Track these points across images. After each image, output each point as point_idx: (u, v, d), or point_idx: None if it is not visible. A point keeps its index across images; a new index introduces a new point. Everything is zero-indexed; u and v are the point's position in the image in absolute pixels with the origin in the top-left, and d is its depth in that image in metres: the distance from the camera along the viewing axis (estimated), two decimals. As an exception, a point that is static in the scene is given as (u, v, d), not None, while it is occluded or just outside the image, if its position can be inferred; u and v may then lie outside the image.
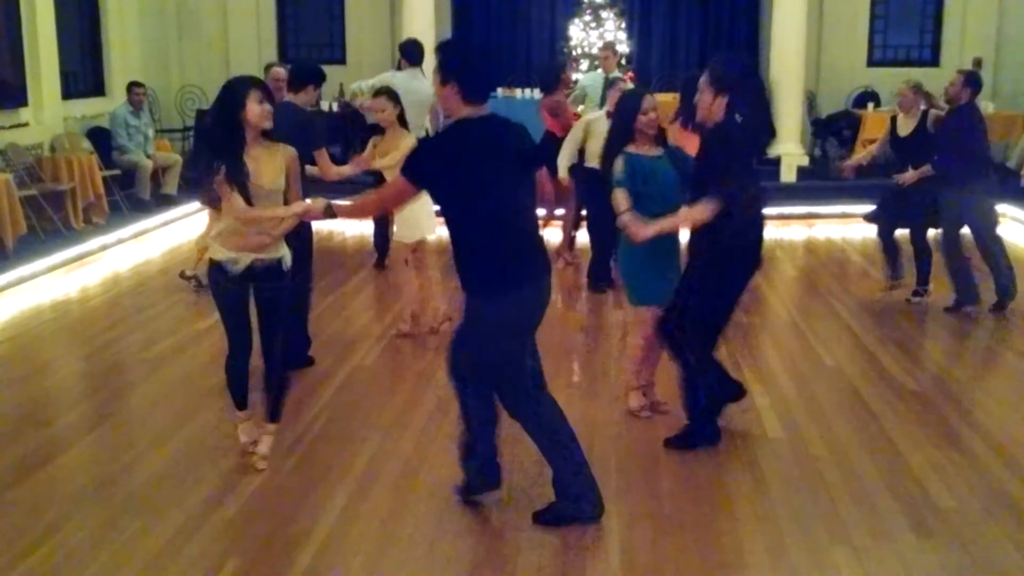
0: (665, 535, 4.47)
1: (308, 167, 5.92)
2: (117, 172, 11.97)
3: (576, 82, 11.42)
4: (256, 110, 4.75)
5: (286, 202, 4.89)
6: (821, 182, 13.14)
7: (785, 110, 13.55)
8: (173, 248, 10.86)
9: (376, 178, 7.45)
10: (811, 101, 14.58)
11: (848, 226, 11.88)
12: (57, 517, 4.63)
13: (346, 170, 6.76)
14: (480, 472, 4.65)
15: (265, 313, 5.06)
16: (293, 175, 4.95)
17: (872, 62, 15.47)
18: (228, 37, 15.49)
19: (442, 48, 4.21)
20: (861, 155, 9.10)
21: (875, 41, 15.50)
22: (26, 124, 11.42)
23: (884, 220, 8.40)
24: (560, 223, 9.97)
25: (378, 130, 7.30)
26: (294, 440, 5.46)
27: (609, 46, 10.95)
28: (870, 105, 14.01)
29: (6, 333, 7.74)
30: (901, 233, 8.36)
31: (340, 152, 12.02)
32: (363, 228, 10.80)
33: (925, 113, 8.16)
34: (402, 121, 7.10)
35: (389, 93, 7.13)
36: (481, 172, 4.14)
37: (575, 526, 4.53)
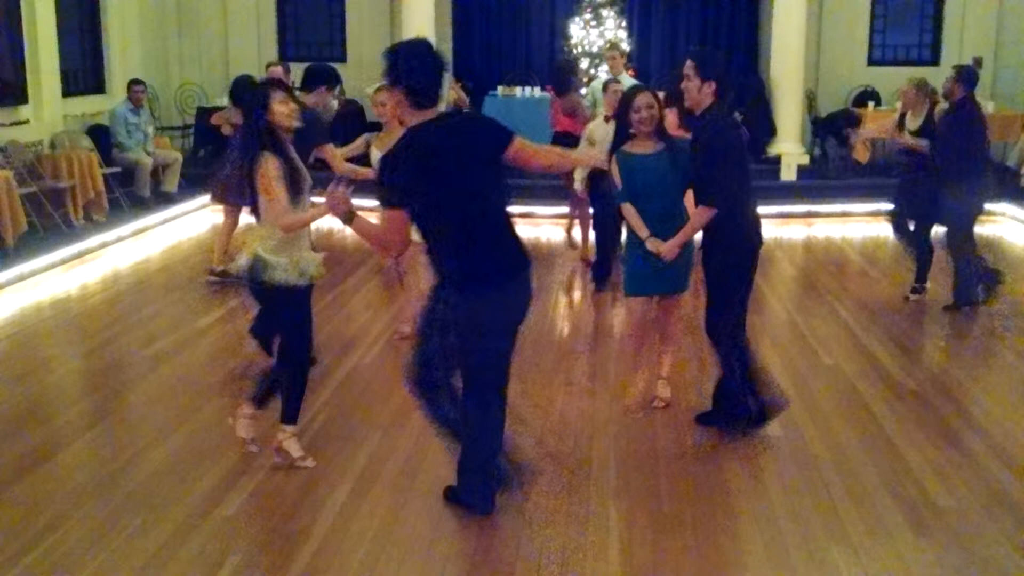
0: (664, 534, 4.48)
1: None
2: (117, 170, 11.97)
3: (589, 81, 11.45)
4: (281, 110, 4.77)
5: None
6: (821, 181, 13.15)
7: (785, 109, 13.57)
8: (173, 245, 10.86)
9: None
10: (811, 100, 14.58)
11: (848, 225, 11.89)
12: (57, 514, 4.64)
13: (346, 166, 6.76)
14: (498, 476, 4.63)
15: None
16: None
17: (872, 61, 15.46)
18: (228, 35, 15.49)
19: (389, 53, 4.15)
20: (870, 130, 8.99)
21: (875, 40, 15.49)
22: (26, 121, 11.42)
23: (898, 218, 8.45)
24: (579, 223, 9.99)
25: (378, 128, 7.28)
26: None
27: (614, 46, 10.94)
28: (870, 104, 14.02)
29: (6, 330, 7.74)
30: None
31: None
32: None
33: (932, 108, 8.17)
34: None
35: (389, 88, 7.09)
36: (436, 176, 4.06)
37: (573, 525, 4.54)
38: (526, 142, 4.35)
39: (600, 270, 8.79)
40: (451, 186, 4.08)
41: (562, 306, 8.60)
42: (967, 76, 8.01)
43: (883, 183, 8.81)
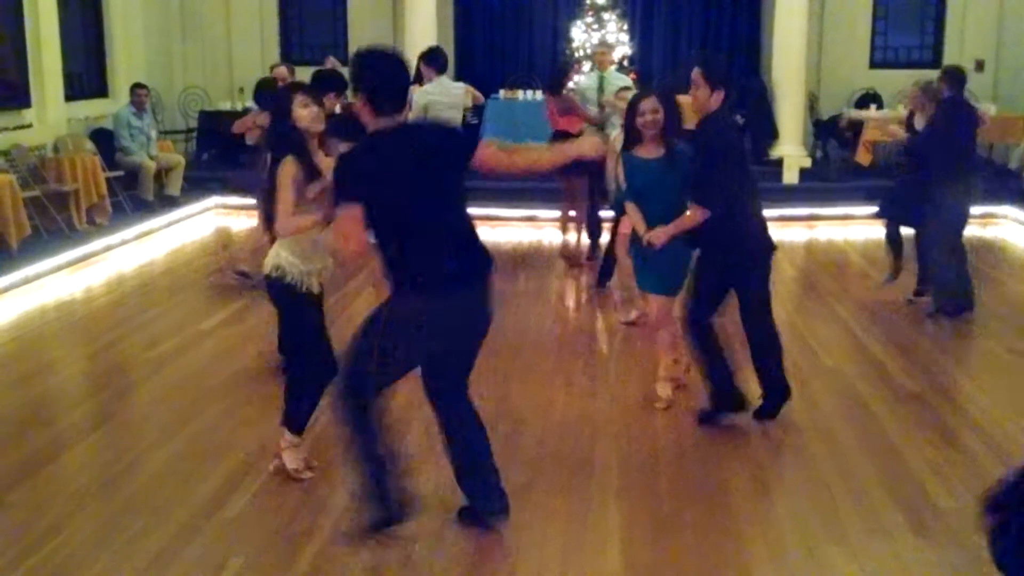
0: (665, 534, 4.50)
1: None
2: (120, 173, 12.00)
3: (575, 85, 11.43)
4: (303, 114, 4.78)
5: None
6: (823, 183, 13.16)
7: (787, 112, 13.57)
8: (177, 249, 10.89)
9: None
10: (813, 103, 14.59)
11: (849, 227, 11.90)
12: (60, 516, 4.66)
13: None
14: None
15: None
16: None
17: (873, 64, 15.47)
18: (231, 38, 15.52)
19: (354, 60, 4.14)
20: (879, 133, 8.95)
21: (876, 43, 15.50)
22: (30, 125, 11.45)
23: (890, 217, 8.44)
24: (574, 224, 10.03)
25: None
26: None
27: (603, 44, 10.96)
28: (872, 107, 14.03)
29: (10, 333, 7.77)
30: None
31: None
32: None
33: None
34: None
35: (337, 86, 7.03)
36: (393, 182, 4.00)
37: (574, 525, 4.56)
38: (498, 143, 4.32)
39: (604, 270, 8.82)
40: (406, 192, 4.01)
41: (562, 307, 8.62)
42: (952, 77, 7.96)
43: (885, 185, 8.81)
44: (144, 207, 11.96)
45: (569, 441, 5.54)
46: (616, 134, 7.91)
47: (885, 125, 8.90)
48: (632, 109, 5.73)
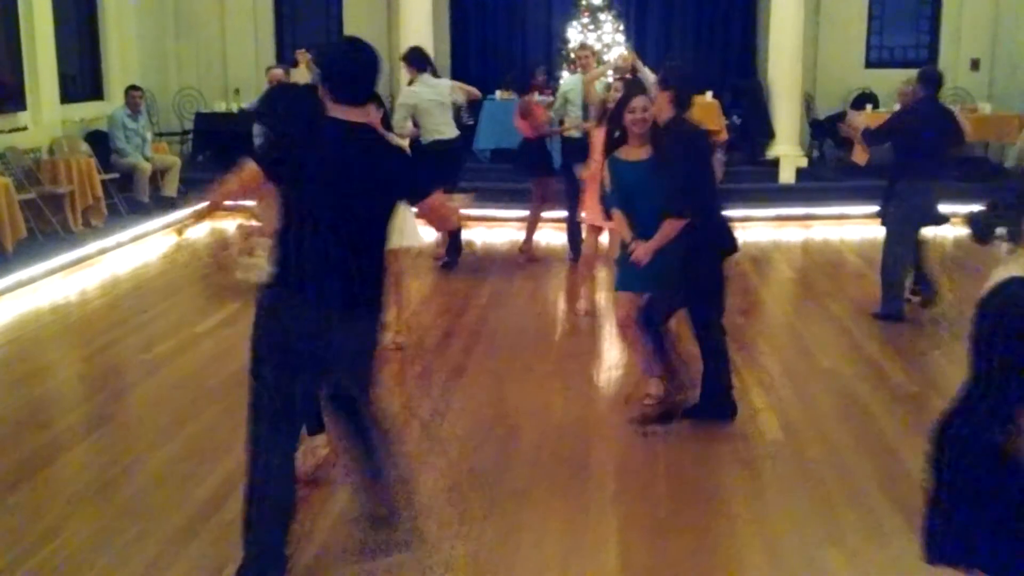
0: (662, 537, 4.49)
1: None
2: (116, 175, 11.98)
3: (552, 84, 11.45)
4: None
5: None
6: (819, 183, 13.17)
7: (782, 111, 13.57)
8: (172, 251, 10.86)
9: None
10: (809, 102, 14.60)
11: (846, 227, 11.90)
12: (57, 519, 4.65)
13: None
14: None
15: None
16: None
17: (869, 63, 15.47)
18: (226, 39, 15.50)
19: (320, 50, 4.18)
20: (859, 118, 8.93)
21: (872, 42, 15.50)
22: (25, 128, 11.43)
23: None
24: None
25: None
26: (293, 443, 5.47)
27: (586, 47, 10.96)
28: (868, 106, 14.03)
29: (6, 336, 7.76)
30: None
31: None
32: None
33: None
34: (385, 125, 6.97)
35: (376, 99, 6.98)
36: (314, 170, 3.80)
37: (572, 528, 4.56)
38: (443, 199, 4.17)
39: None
40: (322, 190, 3.81)
41: (559, 311, 8.61)
42: (926, 77, 7.92)
43: (882, 185, 8.79)
44: (140, 209, 11.94)
45: (567, 444, 5.53)
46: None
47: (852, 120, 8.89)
48: (623, 103, 5.62)
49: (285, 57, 15.43)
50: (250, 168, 3.89)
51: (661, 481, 5.08)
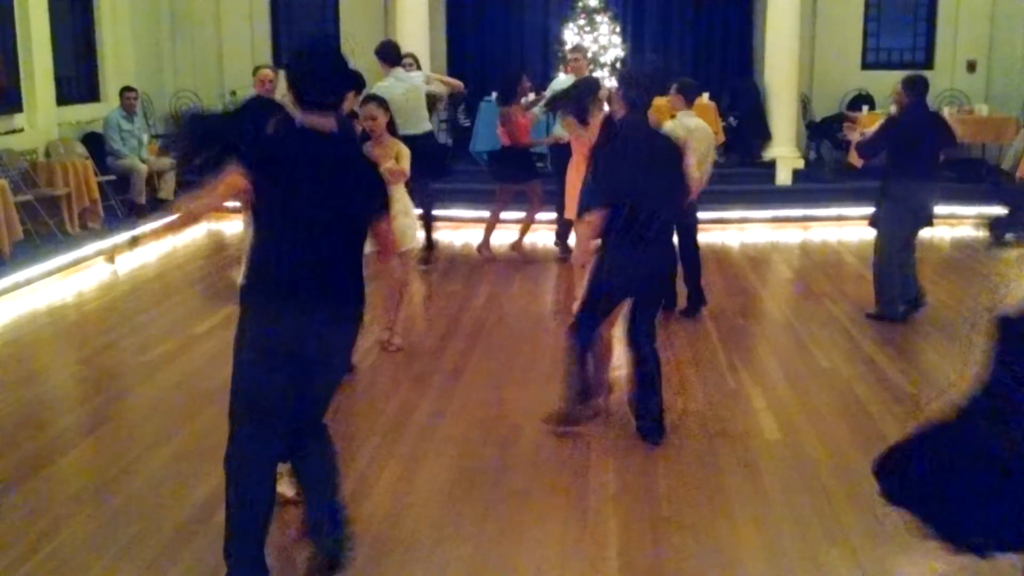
0: (663, 537, 4.48)
1: None
2: (112, 177, 11.96)
3: (535, 92, 11.43)
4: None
5: None
6: (816, 185, 13.16)
7: (779, 113, 13.58)
8: (169, 253, 10.85)
9: None
10: (805, 104, 14.60)
11: (843, 228, 11.90)
12: (55, 521, 4.63)
13: None
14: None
15: None
16: None
17: (866, 65, 15.48)
18: (222, 41, 15.47)
19: (287, 53, 4.03)
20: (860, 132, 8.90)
21: (868, 44, 15.50)
22: (21, 130, 11.41)
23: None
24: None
25: (365, 138, 7.12)
26: (292, 444, 5.45)
27: (578, 49, 10.96)
28: (864, 108, 14.04)
29: (3, 338, 7.74)
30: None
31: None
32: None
33: None
34: (391, 129, 6.95)
35: (379, 100, 6.95)
36: (289, 179, 3.72)
37: (572, 528, 4.54)
38: (387, 227, 4.09)
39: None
40: (300, 196, 3.73)
41: (560, 310, 8.59)
42: (912, 84, 7.93)
43: (879, 186, 8.79)
44: (137, 211, 11.91)
45: (566, 444, 5.52)
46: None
47: (850, 130, 8.88)
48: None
49: (281, 61, 15.43)
50: (232, 178, 3.70)
51: (661, 481, 5.07)
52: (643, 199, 5.25)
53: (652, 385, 5.54)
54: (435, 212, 10.04)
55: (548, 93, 11.27)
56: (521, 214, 10.54)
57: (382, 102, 6.91)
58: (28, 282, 9.17)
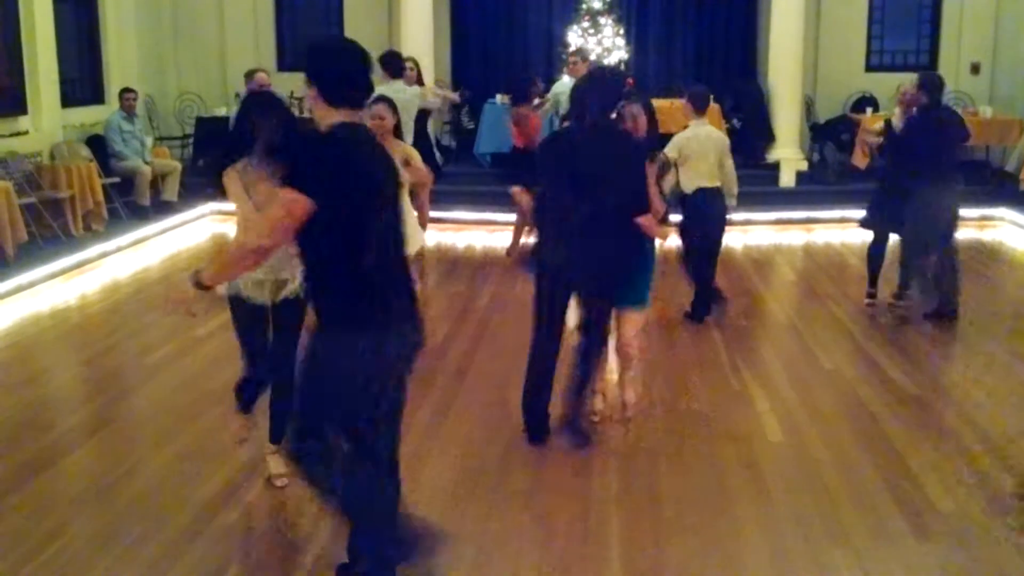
0: (666, 538, 4.48)
1: None
2: (116, 180, 11.98)
3: (545, 93, 11.45)
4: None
5: None
6: (820, 186, 13.16)
7: (783, 115, 13.58)
8: (173, 255, 10.86)
9: None
10: (809, 106, 14.60)
11: (847, 230, 11.87)
12: (58, 522, 4.64)
13: None
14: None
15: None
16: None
17: (870, 67, 15.47)
18: (226, 44, 15.49)
19: (308, 49, 3.75)
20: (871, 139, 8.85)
21: (872, 46, 15.49)
22: (25, 132, 11.43)
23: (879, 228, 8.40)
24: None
25: None
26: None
27: (579, 52, 10.96)
28: (868, 110, 14.04)
29: (6, 340, 7.74)
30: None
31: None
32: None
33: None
34: (396, 131, 6.99)
35: (388, 101, 7.00)
36: (362, 180, 3.55)
37: (574, 530, 4.54)
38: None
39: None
40: (367, 195, 3.56)
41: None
42: (926, 83, 7.89)
43: (872, 189, 8.79)
44: (141, 213, 11.94)
45: (569, 445, 5.51)
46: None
47: (865, 136, 8.84)
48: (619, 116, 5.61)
49: (285, 63, 15.47)
50: (291, 197, 3.40)
51: (664, 482, 5.07)
52: (566, 194, 5.24)
53: (570, 381, 5.55)
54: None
55: (551, 96, 11.32)
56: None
57: (391, 103, 6.93)
58: (32, 284, 9.17)
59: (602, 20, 13.76)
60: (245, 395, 5.10)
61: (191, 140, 14.57)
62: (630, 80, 13.33)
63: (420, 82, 10.68)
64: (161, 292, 9.19)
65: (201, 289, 3.63)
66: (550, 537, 4.48)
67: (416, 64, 10.47)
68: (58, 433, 5.84)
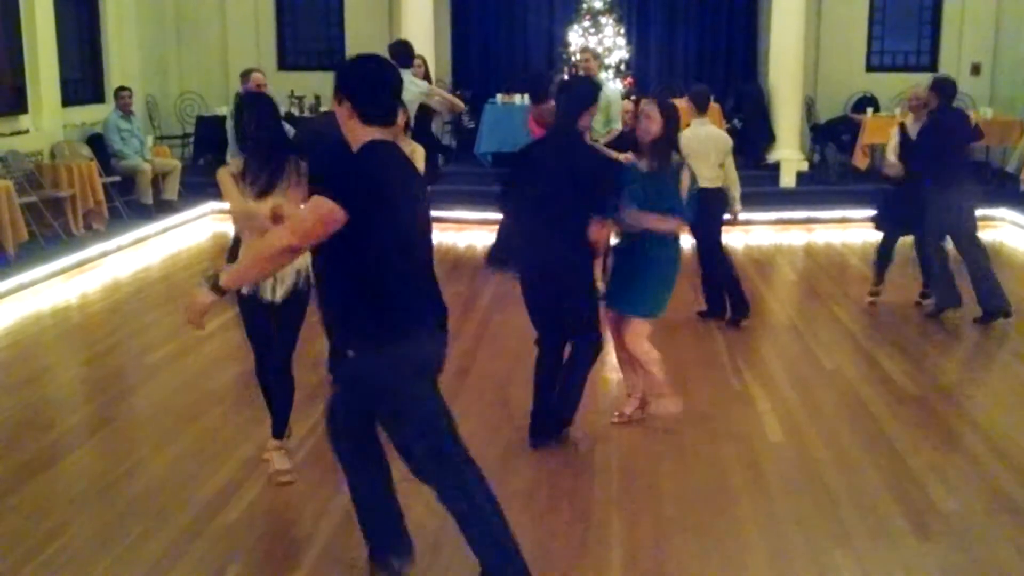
0: (667, 537, 4.48)
1: None
2: (117, 179, 11.98)
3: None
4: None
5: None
6: (820, 187, 13.16)
7: (784, 115, 13.57)
8: (173, 254, 10.86)
9: None
10: (810, 106, 14.59)
11: (848, 230, 11.89)
12: (59, 521, 4.63)
13: None
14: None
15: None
16: None
17: (870, 67, 15.47)
18: (227, 44, 15.49)
19: (340, 65, 3.80)
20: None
21: (873, 47, 15.49)
22: (26, 131, 11.44)
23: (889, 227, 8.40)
24: None
25: None
26: (296, 444, 5.45)
27: (588, 50, 10.93)
28: (869, 110, 14.03)
29: (7, 339, 7.74)
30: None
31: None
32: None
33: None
34: (406, 129, 7.00)
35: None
36: (398, 198, 3.61)
37: (575, 530, 4.54)
38: None
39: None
40: (403, 211, 3.62)
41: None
42: (940, 86, 7.94)
43: (882, 189, 8.80)
44: (142, 212, 11.94)
45: (570, 446, 5.51)
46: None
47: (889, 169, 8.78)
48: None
49: (286, 62, 15.47)
50: (328, 207, 3.44)
51: (665, 482, 5.07)
52: (525, 205, 5.24)
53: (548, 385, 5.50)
54: None
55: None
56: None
57: (401, 101, 6.94)
58: (32, 283, 9.17)
59: (603, 20, 13.75)
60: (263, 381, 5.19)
61: (192, 139, 14.58)
62: (629, 80, 13.37)
63: (428, 80, 10.66)
64: (163, 292, 9.20)
65: (218, 294, 3.62)
66: (550, 537, 4.48)
67: (424, 62, 10.43)
68: (59, 432, 5.84)
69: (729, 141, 7.89)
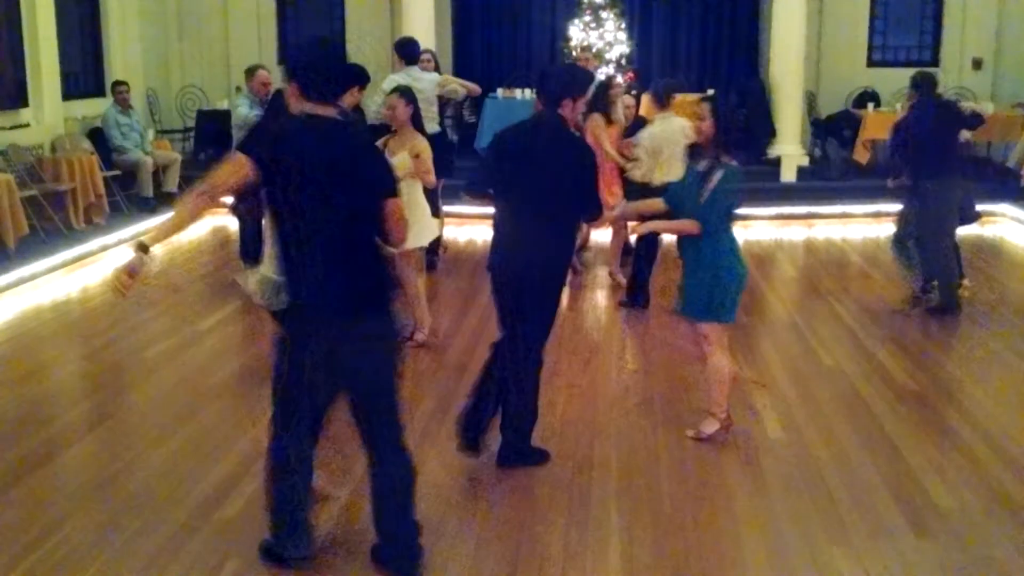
0: (665, 535, 4.48)
1: None
2: (118, 172, 11.98)
3: None
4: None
5: None
6: (821, 182, 13.15)
7: (785, 110, 13.55)
8: (173, 248, 10.84)
9: None
10: (811, 101, 14.58)
11: (848, 226, 11.89)
12: (57, 516, 4.64)
13: None
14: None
15: None
16: None
17: (872, 62, 15.45)
18: (229, 38, 15.49)
19: (289, 48, 4.05)
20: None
21: (875, 42, 15.47)
22: (27, 125, 11.43)
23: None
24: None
25: (388, 131, 7.09)
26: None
27: (587, 49, 10.90)
28: (870, 105, 14.02)
29: (7, 333, 7.74)
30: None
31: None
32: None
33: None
34: (415, 122, 6.99)
35: (403, 92, 7.00)
36: (287, 169, 3.74)
37: (574, 526, 4.54)
38: (399, 206, 3.95)
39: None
40: (294, 186, 3.76)
41: (563, 310, 8.59)
42: (919, 82, 8.03)
43: (884, 185, 8.78)
44: (143, 204, 11.95)
45: (570, 442, 5.51)
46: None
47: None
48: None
49: (287, 57, 15.46)
50: (237, 156, 3.81)
51: (664, 479, 5.07)
52: (505, 191, 5.09)
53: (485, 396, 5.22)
54: (443, 210, 9.99)
55: None
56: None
57: (404, 93, 6.95)
58: (33, 277, 9.17)
59: (604, 15, 13.73)
60: None
61: (192, 133, 14.57)
62: (631, 74, 13.36)
63: (438, 72, 10.62)
64: (163, 286, 9.20)
65: (143, 251, 4.18)
66: (549, 534, 4.48)
67: (434, 57, 10.37)
68: (58, 427, 5.84)
69: (681, 132, 7.60)
